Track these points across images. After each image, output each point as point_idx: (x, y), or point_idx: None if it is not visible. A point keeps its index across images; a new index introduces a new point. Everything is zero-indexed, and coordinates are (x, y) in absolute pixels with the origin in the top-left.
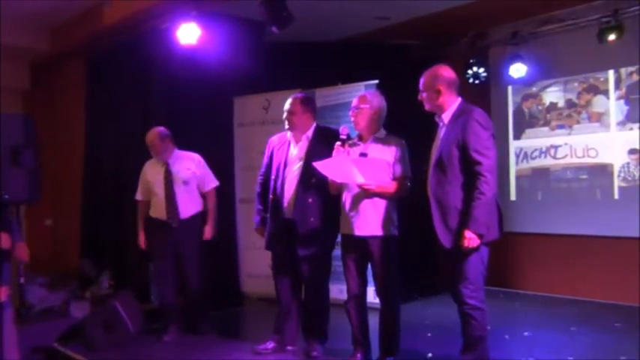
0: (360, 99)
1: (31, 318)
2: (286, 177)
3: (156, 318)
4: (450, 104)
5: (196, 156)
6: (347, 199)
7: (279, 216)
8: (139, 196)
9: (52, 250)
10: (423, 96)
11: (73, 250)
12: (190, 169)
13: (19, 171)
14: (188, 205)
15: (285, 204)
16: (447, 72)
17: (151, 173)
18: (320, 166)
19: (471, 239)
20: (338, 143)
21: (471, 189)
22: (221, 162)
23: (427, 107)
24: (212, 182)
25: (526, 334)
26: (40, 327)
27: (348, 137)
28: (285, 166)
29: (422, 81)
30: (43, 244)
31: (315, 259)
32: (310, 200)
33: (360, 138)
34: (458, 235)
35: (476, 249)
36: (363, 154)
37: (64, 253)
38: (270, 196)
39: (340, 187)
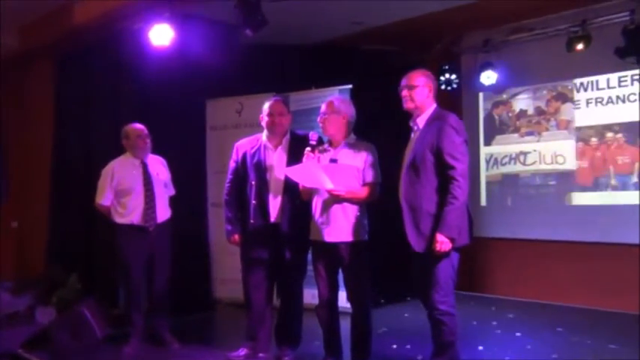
0: (328, 105)
1: None
2: (269, 181)
3: (123, 323)
4: (428, 107)
5: (163, 159)
6: (317, 204)
7: (265, 221)
8: (105, 200)
9: (18, 253)
10: (416, 91)
11: (39, 254)
12: (165, 172)
13: None
14: (164, 209)
15: (271, 208)
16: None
17: (125, 172)
18: (290, 171)
19: (442, 243)
20: (308, 149)
21: (443, 193)
22: (193, 165)
23: (410, 105)
24: (173, 188)
25: (496, 338)
26: (4, 333)
27: (319, 143)
28: (266, 170)
29: (416, 77)
30: (8, 248)
31: (298, 263)
32: (297, 203)
33: (331, 143)
34: (430, 239)
35: (447, 253)
36: (333, 160)
37: (30, 257)
38: (253, 202)
39: (311, 193)
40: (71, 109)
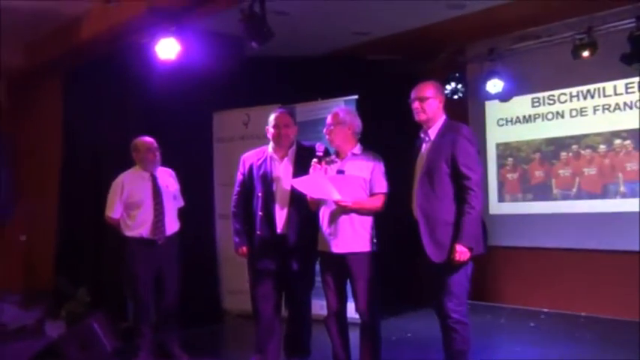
0: (333, 117)
1: (4, 337)
2: (276, 192)
3: (132, 336)
4: (438, 118)
5: (172, 171)
6: (324, 215)
7: (272, 232)
8: (114, 213)
9: (27, 266)
10: (428, 103)
11: (47, 267)
12: (174, 184)
13: None
14: (173, 222)
15: (278, 220)
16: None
17: (135, 185)
18: (297, 183)
19: (462, 253)
20: (315, 160)
21: (459, 203)
22: (200, 177)
23: (421, 117)
24: (182, 200)
25: (508, 347)
26: (13, 347)
27: (326, 154)
28: (272, 181)
29: (427, 88)
30: (17, 261)
31: (305, 274)
32: (305, 214)
33: (338, 154)
34: (448, 249)
35: (465, 263)
36: (340, 171)
37: (39, 270)
38: (260, 213)
39: (319, 204)
40: (79, 124)
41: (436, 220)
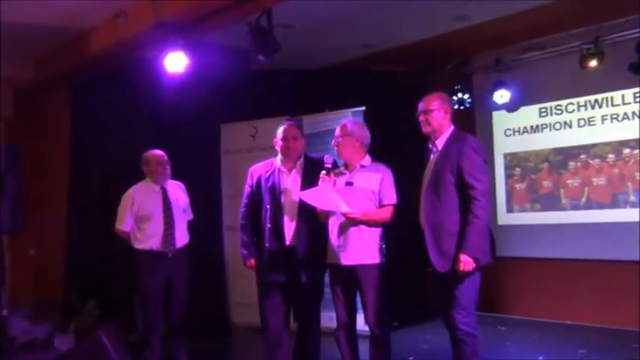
0: (341, 128)
1: (14, 351)
2: (284, 204)
3: (142, 349)
4: (445, 129)
5: (182, 184)
6: (333, 227)
7: (280, 244)
8: (125, 226)
9: (36, 280)
10: (432, 115)
11: (57, 281)
12: (184, 198)
13: (2, 200)
14: (183, 235)
15: (286, 232)
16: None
17: (145, 198)
18: (305, 195)
19: (466, 263)
20: (323, 172)
21: (465, 213)
22: (208, 189)
23: (427, 129)
24: (191, 213)
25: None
26: None
27: (334, 166)
28: (280, 193)
29: (431, 101)
30: (26, 275)
31: (314, 286)
32: (313, 226)
33: (346, 166)
34: (453, 260)
35: (470, 273)
36: (349, 183)
37: (48, 284)
38: (268, 225)
39: (328, 216)
40: (88, 137)
41: (441, 230)
